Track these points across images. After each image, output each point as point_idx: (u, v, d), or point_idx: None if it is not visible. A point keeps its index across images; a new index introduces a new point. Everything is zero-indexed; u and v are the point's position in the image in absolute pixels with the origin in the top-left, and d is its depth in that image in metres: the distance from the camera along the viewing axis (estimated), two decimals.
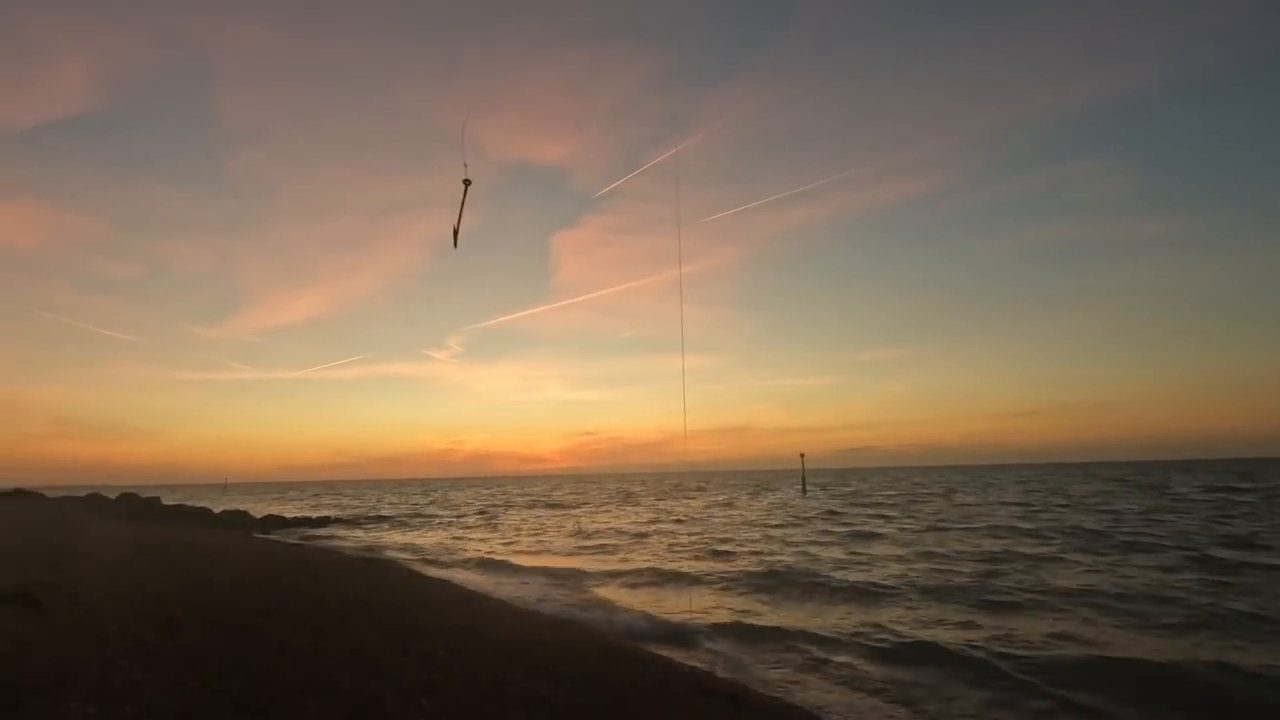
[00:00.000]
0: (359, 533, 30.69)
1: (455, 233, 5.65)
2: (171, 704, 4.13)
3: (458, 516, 38.83)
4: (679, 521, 29.87)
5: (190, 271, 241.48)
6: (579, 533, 26.19)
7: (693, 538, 22.36)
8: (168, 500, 43.04)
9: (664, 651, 8.65)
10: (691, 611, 11.16)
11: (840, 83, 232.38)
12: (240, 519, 35.01)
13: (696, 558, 17.59)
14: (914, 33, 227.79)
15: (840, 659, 8.13)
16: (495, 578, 15.79)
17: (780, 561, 15.85)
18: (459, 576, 15.79)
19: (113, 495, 43.63)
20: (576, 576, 15.27)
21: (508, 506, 47.54)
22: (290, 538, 27.46)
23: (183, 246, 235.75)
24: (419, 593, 12.16)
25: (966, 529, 22.63)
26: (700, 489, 72.41)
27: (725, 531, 24.45)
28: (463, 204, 5.57)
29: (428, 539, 26.36)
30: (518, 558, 19.32)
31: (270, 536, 27.98)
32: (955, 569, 14.27)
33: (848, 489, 58.99)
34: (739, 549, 18.85)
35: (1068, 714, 6.41)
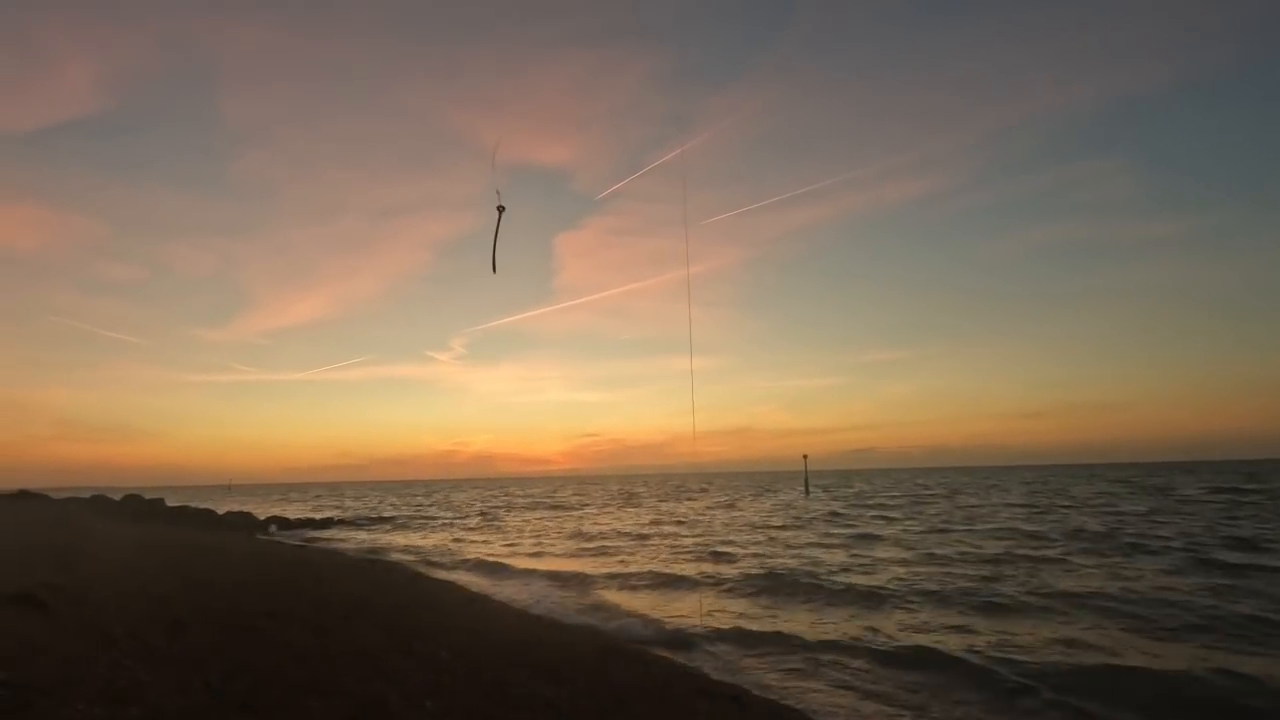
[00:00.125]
0: (362, 534, 30.74)
1: (494, 258, 5.72)
2: (177, 705, 4.15)
3: (460, 518, 38.87)
4: (680, 523, 29.86)
5: (193, 273, 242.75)
6: (581, 535, 26.19)
7: (694, 540, 22.34)
8: (171, 502, 43.16)
9: (665, 654, 8.65)
10: (692, 615, 11.16)
11: (844, 83, 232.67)
12: (244, 520, 35.10)
13: (698, 560, 17.58)
14: (919, 32, 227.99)
15: (841, 663, 8.11)
16: (497, 579, 15.81)
17: (782, 564, 15.83)
18: (461, 578, 15.81)
19: (117, 497, 43.78)
20: (578, 578, 15.27)
21: (510, 508, 47.56)
22: (294, 539, 27.52)
23: (186, 248, 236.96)
24: (422, 594, 12.19)
25: (970, 531, 22.58)
26: (703, 490, 72.34)
27: (727, 534, 24.43)
28: (497, 230, 5.63)
29: (430, 540, 26.39)
30: (520, 560, 19.33)
31: (274, 538, 28.06)
32: (958, 572, 14.24)
33: (851, 490, 58.87)
34: (741, 551, 18.84)
35: None
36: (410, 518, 40.01)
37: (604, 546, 21.77)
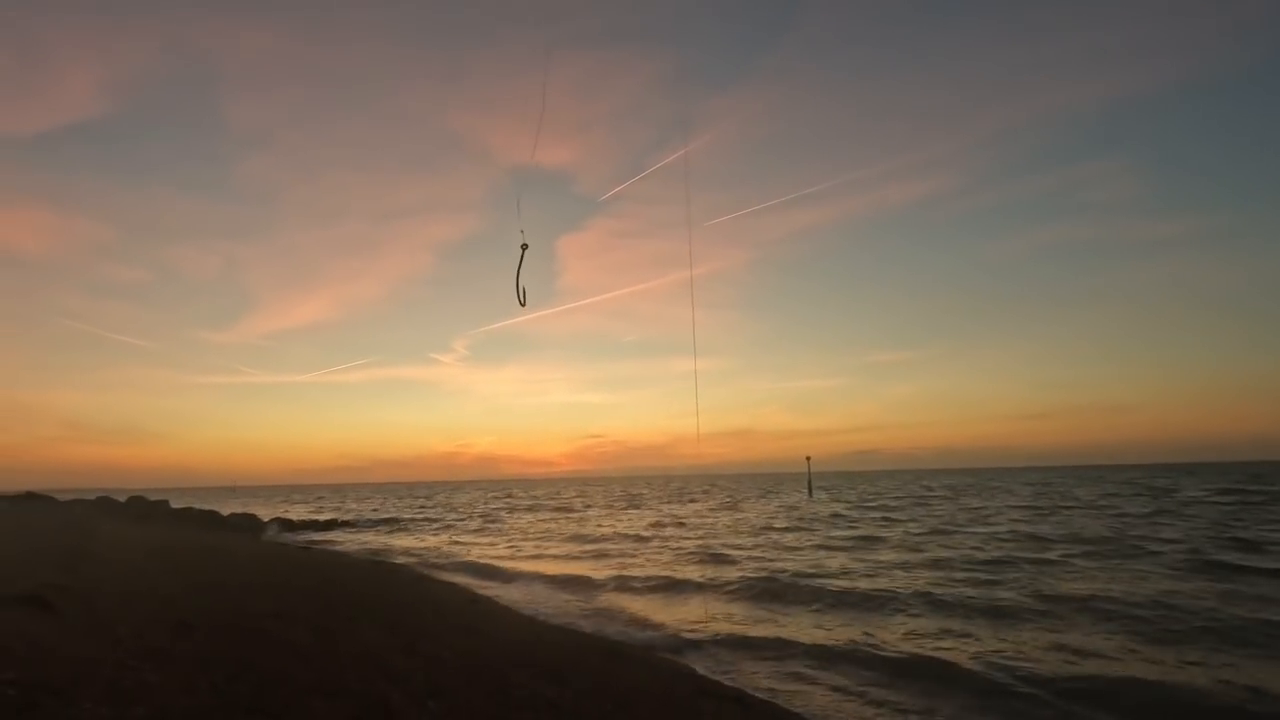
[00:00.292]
0: (366, 536, 30.81)
1: (522, 291, 5.94)
2: (183, 705, 4.19)
3: (463, 520, 38.92)
4: (683, 525, 29.85)
5: (198, 276, 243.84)
6: (583, 537, 26.21)
7: (696, 542, 22.34)
8: (176, 503, 43.30)
9: (667, 656, 8.67)
10: (693, 618, 11.18)
11: (846, 84, 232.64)
12: (248, 522, 35.21)
13: (700, 563, 17.58)
14: (922, 33, 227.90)
15: (842, 669, 8.09)
16: (499, 581, 15.84)
17: (783, 568, 15.83)
18: (464, 580, 15.85)
19: (122, 498, 43.94)
20: (580, 581, 15.30)
21: (513, 510, 47.60)
22: (298, 540, 27.60)
23: (190, 251, 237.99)
24: (425, 595, 12.22)
25: (973, 533, 22.53)
26: (705, 492, 72.28)
27: (729, 536, 24.42)
28: (520, 265, 5.88)
29: (433, 542, 26.44)
30: (522, 562, 19.37)
31: (278, 539, 28.14)
32: (960, 575, 14.21)
33: (854, 492, 58.76)
34: (742, 554, 18.83)
35: None
36: (413, 519, 40.08)
37: (606, 549, 21.79)
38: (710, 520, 32.39)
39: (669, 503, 51.38)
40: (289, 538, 29.59)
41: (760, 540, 22.44)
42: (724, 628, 10.30)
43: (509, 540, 26.08)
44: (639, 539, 24.28)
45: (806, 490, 58.81)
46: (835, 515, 32.31)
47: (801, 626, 10.36)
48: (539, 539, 26.16)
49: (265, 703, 4.44)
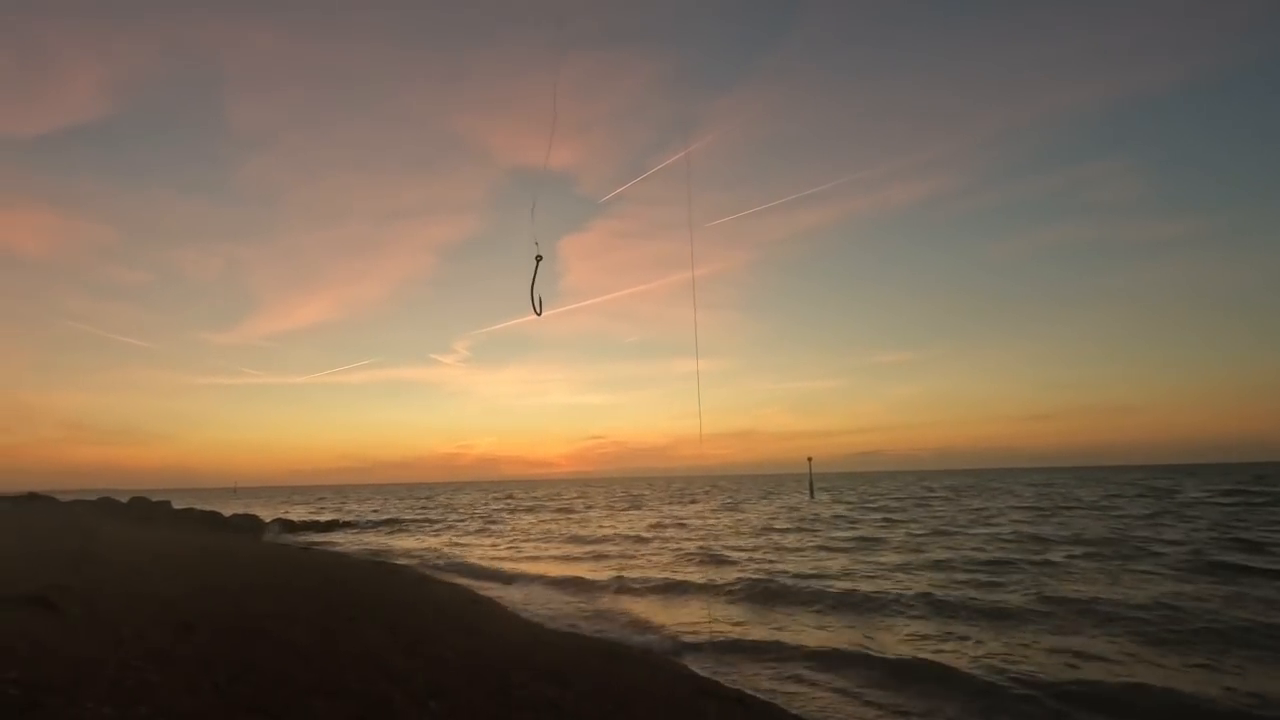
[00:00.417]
0: (367, 537, 30.84)
1: (538, 302, 6.08)
2: (185, 705, 4.21)
3: (463, 521, 38.94)
4: (683, 526, 29.84)
5: (200, 278, 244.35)
6: (584, 538, 26.21)
7: (697, 544, 22.33)
8: (178, 504, 43.36)
9: (668, 657, 8.68)
10: (694, 619, 11.17)
11: (849, 84, 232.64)
12: (249, 523, 35.25)
13: (700, 564, 17.58)
14: (924, 33, 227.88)
15: (842, 671, 8.06)
16: (500, 582, 15.86)
17: (783, 569, 15.82)
18: (465, 581, 15.86)
19: (124, 499, 44.02)
20: (581, 582, 15.30)
21: (514, 511, 47.60)
22: (299, 541, 27.63)
23: (193, 253, 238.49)
24: (426, 596, 12.23)
25: (975, 535, 22.50)
26: (707, 493, 72.26)
27: (730, 537, 24.42)
28: (534, 277, 6.02)
29: (434, 543, 26.45)
30: (522, 563, 19.38)
31: (279, 540, 28.17)
32: (961, 577, 14.20)
33: (856, 493, 58.70)
34: (743, 555, 18.83)
35: None
36: (414, 520, 40.10)
37: (607, 550, 21.79)
38: (711, 521, 32.38)
39: (670, 504, 51.37)
40: (290, 539, 29.62)
41: (761, 541, 22.43)
42: (724, 630, 10.30)
43: (510, 541, 26.09)
44: (640, 540, 24.27)
45: (808, 491, 58.77)
46: (837, 516, 32.29)
47: (802, 628, 10.35)
48: (540, 540, 26.16)
49: (267, 703, 4.45)
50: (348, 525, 37.38)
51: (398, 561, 19.72)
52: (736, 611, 11.76)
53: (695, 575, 15.59)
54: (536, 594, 14.03)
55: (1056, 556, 16.73)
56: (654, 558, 19.27)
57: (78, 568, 10.02)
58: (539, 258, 6.14)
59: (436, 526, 35.44)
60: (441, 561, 20.20)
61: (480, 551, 22.84)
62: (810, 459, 56.38)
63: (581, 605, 12.62)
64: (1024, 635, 9.53)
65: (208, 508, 41.36)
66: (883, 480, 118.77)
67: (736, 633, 10.10)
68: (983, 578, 14.02)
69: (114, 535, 18.20)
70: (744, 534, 25.32)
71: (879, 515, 32.26)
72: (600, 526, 31.52)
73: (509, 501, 64.25)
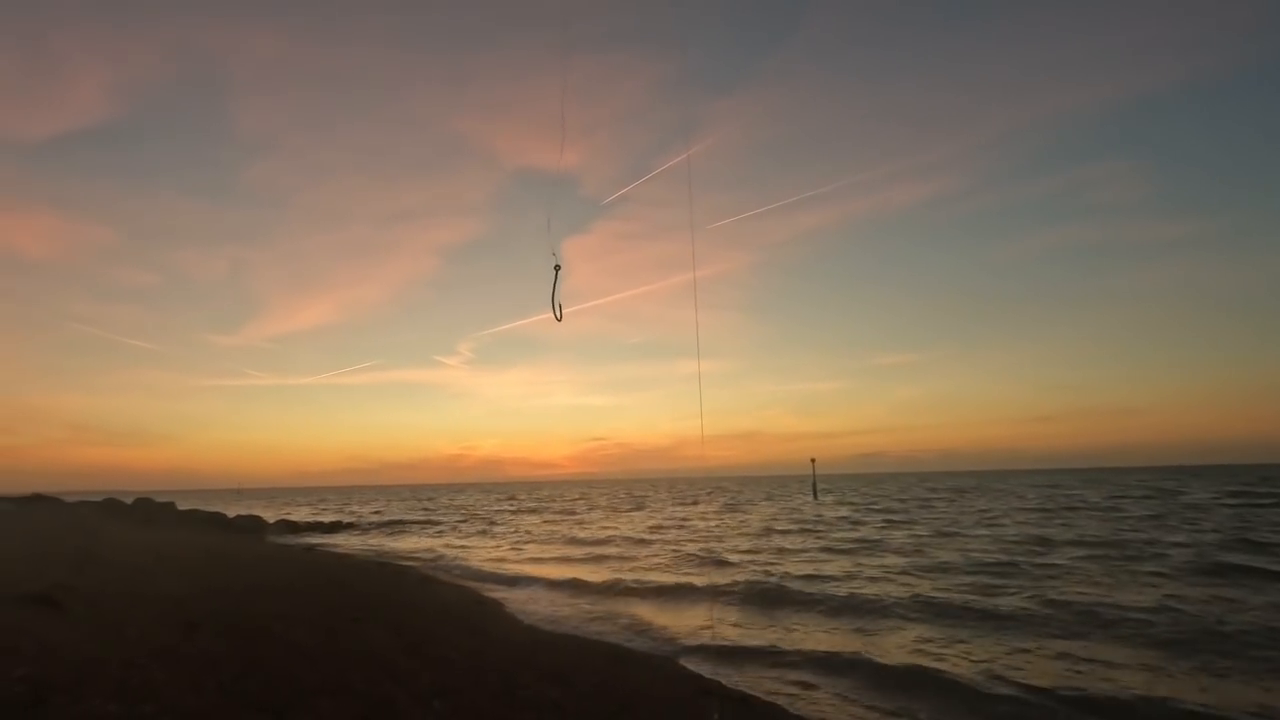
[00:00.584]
0: (370, 538, 30.89)
1: (558, 309, 6.26)
2: (190, 703, 4.23)
3: (466, 522, 38.97)
4: (685, 528, 29.83)
5: (205, 280, 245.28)
6: (586, 539, 26.22)
7: (698, 546, 22.32)
8: (182, 505, 43.50)
9: (669, 658, 8.66)
10: (694, 621, 11.16)
11: (851, 86, 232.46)
12: (253, 524, 35.35)
13: (701, 566, 17.56)
14: (926, 35, 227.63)
15: (842, 674, 8.00)
16: (503, 583, 15.86)
17: (784, 572, 15.78)
18: (467, 582, 15.87)
19: (129, 500, 44.18)
20: (582, 583, 15.29)
21: (517, 512, 47.63)
22: (302, 543, 27.69)
23: (197, 255, 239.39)
24: (430, 597, 12.26)
25: (978, 537, 22.44)
26: (710, 494, 72.18)
27: (732, 539, 24.39)
28: (554, 285, 6.21)
29: (437, 544, 26.48)
30: (525, 564, 19.39)
31: (282, 541, 28.23)
32: (963, 581, 14.14)
33: (859, 495, 58.56)
34: (744, 557, 18.80)
35: None
36: (417, 522, 40.15)
37: (609, 552, 21.79)
38: (713, 523, 32.35)
39: (673, 505, 51.34)
40: (294, 540, 29.68)
41: (763, 543, 22.40)
42: (725, 632, 10.28)
43: (512, 543, 26.11)
44: (642, 542, 24.26)
45: (811, 493, 58.67)
46: (839, 518, 32.22)
47: (803, 631, 10.33)
48: (542, 542, 26.17)
49: (272, 701, 4.47)
50: (351, 526, 37.44)
51: (401, 563, 19.75)
52: (738, 614, 11.73)
53: (697, 577, 15.58)
54: (539, 596, 14.04)
55: (1060, 559, 16.66)
56: (655, 560, 19.26)
57: (81, 568, 10.07)
58: (557, 267, 6.31)
59: (440, 528, 35.48)
60: (444, 563, 20.22)
61: (483, 553, 22.86)
62: (814, 460, 56.25)
63: (584, 607, 12.62)
64: (1027, 639, 9.47)
65: (212, 509, 41.48)
66: (886, 481, 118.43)
67: (738, 635, 10.08)
68: (985, 581, 13.97)
69: (118, 536, 18.27)
70: (746, 536, 25.29)
71: (882, 517, 32.19)
72: (603, 528, 31.52)
73: (512, 503, 64.28)
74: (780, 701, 6.99)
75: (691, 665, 8.35)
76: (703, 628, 10.53)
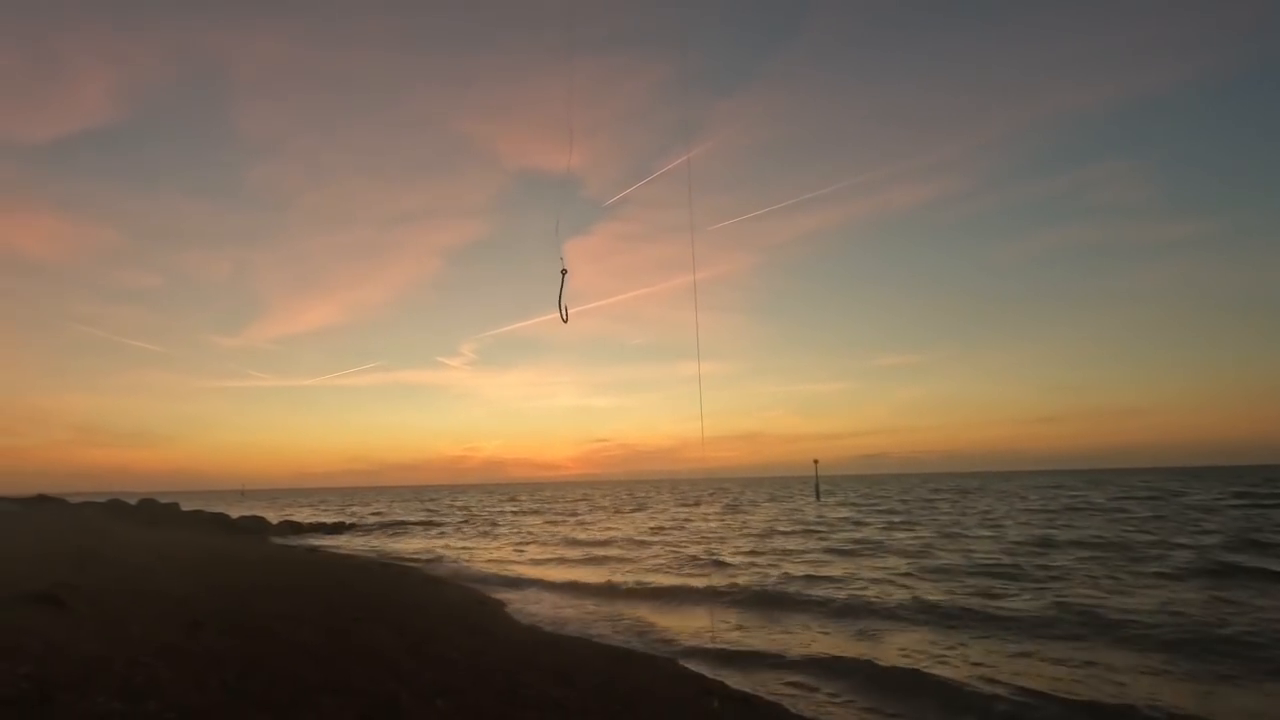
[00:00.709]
0: (373, 539, 30.94)
1: (564, 311, 6.40)
2: (194, 701, 4.25)
3: (469, 523, 39.01)
4: (687, 530, 29.81)
5: (208, 282, 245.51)
6: (587, 540, 26.22)
7: (700, 547, 22.30)
8: (186, 506, 43.64)
9: (670, 658, 8.66)
10: (694, 623, 11.16)
11: (852, 87, 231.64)
12: (257, 524, 35.43)
13: (702, 568, 17.53)
14: (928, 35, 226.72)
15: (843, 677, 7.94)
16: (504, 584, 15.87)
17: (785, 574, 15.75)
18: (469, 583, 15.89)
19: (133, 501, 44.33)
20: (584, 584, 15.31)
21: (519, 513, 47.66)
22: (305, 543, 27.75)
23: (201, 257, 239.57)
24: (433, 597, 12.29)
25: (980, 539, 22.39)
26: (712, 495, 72.12)
27: (733, 540, 24.37)
28: (561, 288, 6.34)
29: (440, 545, 26.51)
30: (527, 565, 19.40)
31: (286, 542, 28.30)
32: (966, 584, 14.09)
33: (861, 496, 58.47)
34: (745, 559, 18.78)
35: None
36: (420, 523, 40.21)
37: (610, 553, 21.79)
38: (715, 524, 32.33)
39: (675, 506, 51.31)
40: (296, 540, 29.74)
41: (764, 545, 22.37)
42: (727, 634, 10.27)
43: (514, 544, 26.12)
44: (643, 543, 24.25)
45: (814, 493, 58.59)
46: (841, 519, 32.18)
47: (803, 633, 10.31)
48: (544, 543, 26.19)
49: (275, 700, 4.50)
50: (354, 527, 37.50)
51: (403, 564, 19.79)
52: (738, 616, 11.71)
53: (697, 579, 15.57)
54: (541, 596, 14.04)
55: (1063, 560, 16.62)
56: (657, 560, 19.25)
57: (87, 568, 10.11)
58: (564, 271, 6.41)
59: (442, 529, 35.52)
60: (447, 564, 20.24)
61: (485, 554, 22.89)
62: (816, 461, 56.21)
63: (586, 608, 12.62)
64: (1029, 643, 9.42)
65: (216, 510, 41.60)
66: (888, 482, 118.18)
67: (738, 637, 10.07)
68: (988, 583, 13.92)
69: (122, 536, 18.34)
70: (747, 537, 25.26)
71: (884, 519, 32.12)
72: (605, 529, 31.52)
73: (514, 504, 64.31)
74: (782, 703, 6.98)
75: (693, 666, 8.35)
76: (704, 629, 10.52)
